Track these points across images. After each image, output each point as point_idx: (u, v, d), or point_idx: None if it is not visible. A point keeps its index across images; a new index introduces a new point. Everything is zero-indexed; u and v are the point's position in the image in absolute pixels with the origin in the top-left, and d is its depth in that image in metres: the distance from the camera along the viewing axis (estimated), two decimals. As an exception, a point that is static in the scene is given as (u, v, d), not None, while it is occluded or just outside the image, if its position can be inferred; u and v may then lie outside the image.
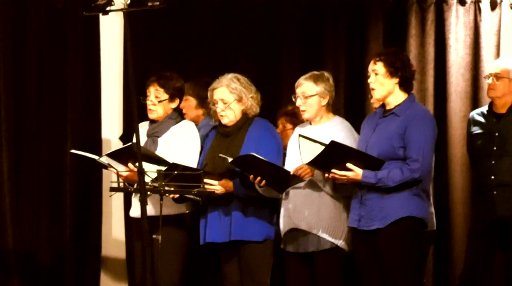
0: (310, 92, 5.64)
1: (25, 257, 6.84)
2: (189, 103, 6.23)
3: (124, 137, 6.78)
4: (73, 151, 5.91)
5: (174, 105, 5.91)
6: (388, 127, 5.33)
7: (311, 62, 6.62)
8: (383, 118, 5.40)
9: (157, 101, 5.86)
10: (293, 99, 5.72)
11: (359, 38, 7.00)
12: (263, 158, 5.44)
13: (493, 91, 5.94)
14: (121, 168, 5.64)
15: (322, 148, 5.25)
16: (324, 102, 5.66)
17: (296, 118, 5.95)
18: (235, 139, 5.72)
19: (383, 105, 5.47)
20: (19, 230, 6.84)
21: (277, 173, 5.52)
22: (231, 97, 5.72)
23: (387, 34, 6.96)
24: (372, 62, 5.42)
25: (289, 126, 6.13)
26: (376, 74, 5.38)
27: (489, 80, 5.96)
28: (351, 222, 5.41)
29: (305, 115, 5.69)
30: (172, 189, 5.46)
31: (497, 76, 5.93)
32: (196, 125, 5.98)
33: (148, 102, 5.88)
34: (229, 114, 5.73)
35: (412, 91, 5.45)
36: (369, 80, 5.42)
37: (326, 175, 5.35)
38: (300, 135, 5.44)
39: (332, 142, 5.22)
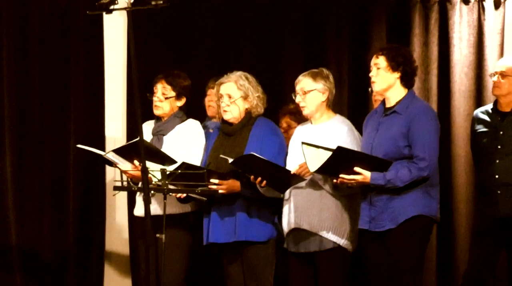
0: (308, 88, 5.64)
1: (28, 255, 6.84)
2: None
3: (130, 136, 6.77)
4: (79, 145, 5.92)
5: (180, 103, 5.91)
6: (391, 127, 5.33)
7: (314, 61, 6.59)
8: (385, 117, 5.40)
9: (163, 98, 5.87)
10: (293, 97, 5.72)
11: (363, 38, 7.00)
12: (263, 158, 5.43)
13: (498, 89, 5.93)
14: (126, 165, 5.63)
15: (326, 152, 5.23)
16: (324, 98, 5.65)
17: (300, 116, 5.92)
18: (239, 138, 5.70)
19: (383, 103, 5.47)
20: (22, 227, 6.84)
21: (277, 173, 5.50)
22: (238, 93, 5.71)
23: (391, 33, 6.96)
24: (374, 56, 5.43)
25: (294, 124, 6.08)
26: (378, 68, 5.39)
27: (495, 78, 5.95)
28: (362, 224, 5.40)
29: (305, 111, 5.68)
30: (176, 187, 5.46)
31: (503, 74, 5.93)
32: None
33: (155, 98, 5.88)
34: (233, 110, 5.71)
35: (413, 87, 5.44)
36: (370, 74, 5.42)
37: (335, 180, 5.34)
38: (303, 143, 5.40)
39: (339, 148, 5.20)
